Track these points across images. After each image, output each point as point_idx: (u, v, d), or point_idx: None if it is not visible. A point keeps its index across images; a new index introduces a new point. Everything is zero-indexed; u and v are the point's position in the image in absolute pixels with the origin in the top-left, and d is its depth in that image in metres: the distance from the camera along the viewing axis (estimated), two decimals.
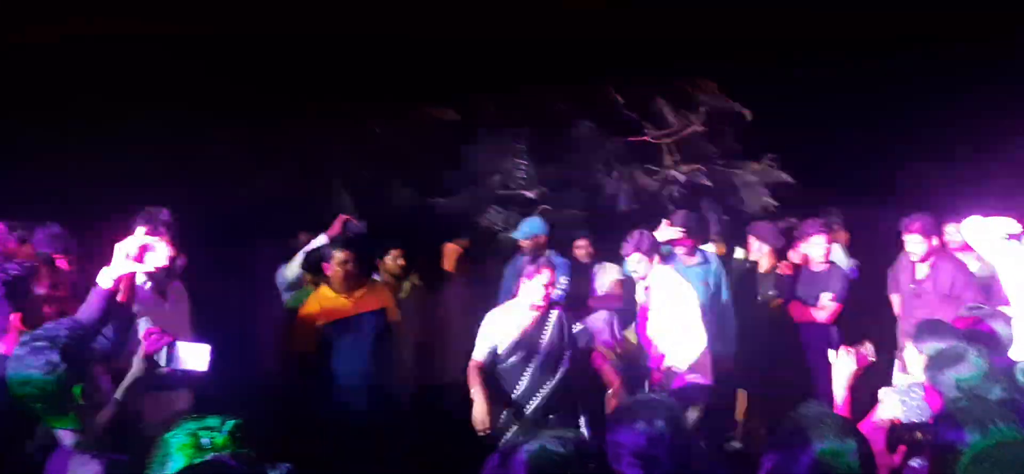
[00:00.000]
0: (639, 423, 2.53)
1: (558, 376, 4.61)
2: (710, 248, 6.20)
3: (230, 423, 2.12)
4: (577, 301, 5.84)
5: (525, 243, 6.04)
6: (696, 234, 5.73)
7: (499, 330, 4.63)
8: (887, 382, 3.85)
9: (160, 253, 3.36)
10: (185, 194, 5.18)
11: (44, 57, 5.00)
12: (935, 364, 3.14)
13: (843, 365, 3.62)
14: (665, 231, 5.55)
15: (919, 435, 2.88)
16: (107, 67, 5.34)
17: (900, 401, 3.44)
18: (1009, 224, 4.99)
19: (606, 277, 6.27)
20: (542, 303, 4.56)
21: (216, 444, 2.06)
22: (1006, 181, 7.29)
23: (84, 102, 5.31)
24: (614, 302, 6.24)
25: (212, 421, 2.12)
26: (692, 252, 5.69)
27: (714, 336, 5.59)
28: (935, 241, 5.67)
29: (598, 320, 6.20)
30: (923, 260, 5.67)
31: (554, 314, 4.68)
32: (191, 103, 5.85)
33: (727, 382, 5.69)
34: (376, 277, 5.49)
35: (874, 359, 4.22)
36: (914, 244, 5.64)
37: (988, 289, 5.41)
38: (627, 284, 6.19)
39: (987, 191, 5.88)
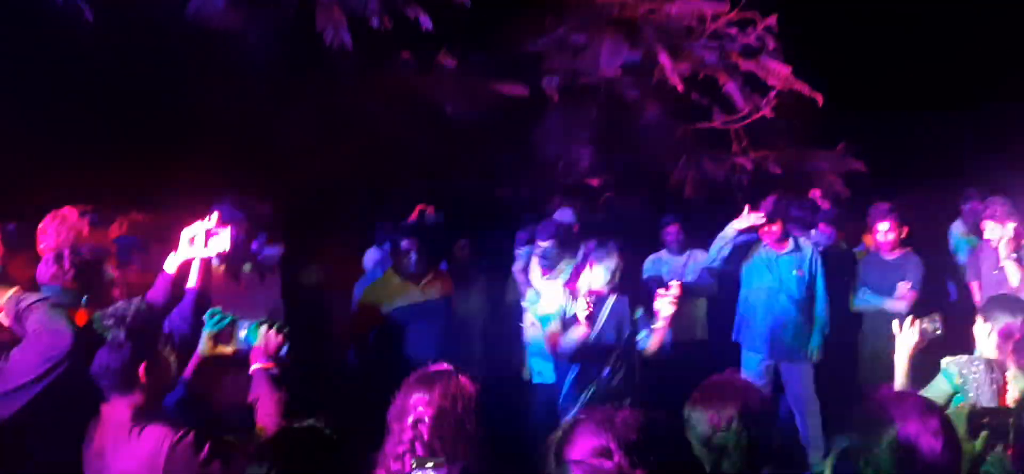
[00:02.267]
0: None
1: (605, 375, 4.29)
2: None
3: None
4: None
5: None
6: (786, 221, 5.59)
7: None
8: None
9: (223, 238, 3.42)
10: (262, 179, 5.34)
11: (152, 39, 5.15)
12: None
13: (907, 337, 3.58)
14: (747, 218, 5.42)
15: (1007, 420, 2.77)
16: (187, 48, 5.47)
17: (959, 373, 3.36)
18: None
19: (697, 264, 6.26)
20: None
21: None
22: None
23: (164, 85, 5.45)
24: (706, 290, 6.22)
25: None
26: (782, 239, 5.57)
27: (802, 326, 5.52)
28: (1012, 226, 5.47)
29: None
30: (1006, 244, 5.48)
31: (610, 302, 4.35)
32: (265, 87, 5.97)
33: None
34: (444, 266, 5.53)
35: (941, 332, 4.13)
36: (992, 230, 5.47)
37: None
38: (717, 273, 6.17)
39: None
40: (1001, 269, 5.49)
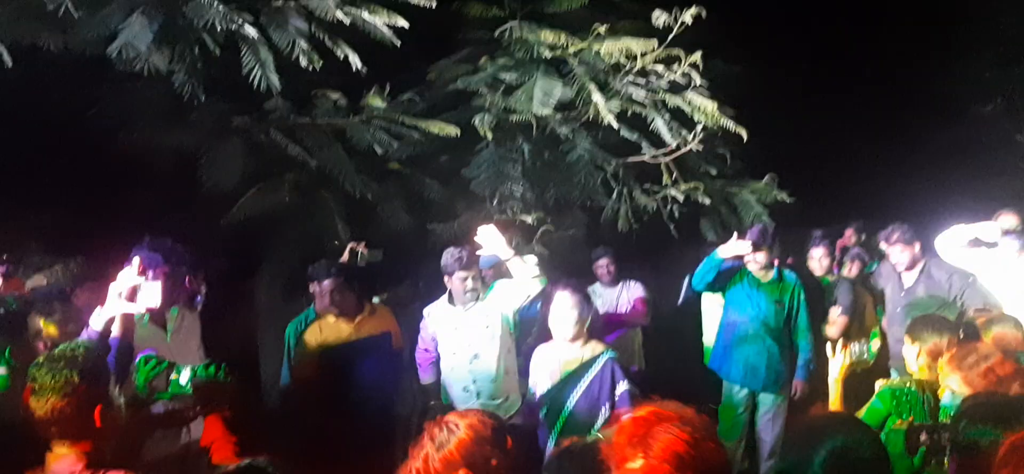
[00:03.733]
0: None
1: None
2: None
3: None
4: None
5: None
6: (770, 250, 5.68)
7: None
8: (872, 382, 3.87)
9: (154, 292, 3.31)
10: (188, 220, 5.19)
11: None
12: (964, 362, 3.14)
13: (837, 363, 3.70)
14: (734, 245, 5.50)
15: (943, 436, 2.84)
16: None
17: (892, 395, 3.48)
18: (988, 229, 5.08)
19: (630, 295, 6.35)
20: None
21: None
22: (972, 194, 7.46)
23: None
24: (640, 319, 6.31)
25: None
26: (767, 267, 5.65)
27: (779, 357, 5.59)
28: (917, 248, 5.73)
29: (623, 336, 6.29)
30: (909, 268, 5.73)
31: (602, 360, 4.14)
32: (190, 128, 5.84)
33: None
34: (377, 300, 5.46)
35: (865, 358, 4.29)
36: (897, 253, 5.72)
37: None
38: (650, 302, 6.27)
39: (960, 204, 5.98)
40: (908, 290, 5.74)
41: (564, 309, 4.10)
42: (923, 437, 2.89)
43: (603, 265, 6.52)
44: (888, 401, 3.44)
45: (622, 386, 4.01)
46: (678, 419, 1.97)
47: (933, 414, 3.34)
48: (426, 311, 5.02)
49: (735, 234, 5.60)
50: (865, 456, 2.19)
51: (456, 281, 4.84)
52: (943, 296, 5.63)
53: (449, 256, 4.83)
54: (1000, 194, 8.27)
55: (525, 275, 4.69)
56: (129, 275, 3.23)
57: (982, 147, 10.80)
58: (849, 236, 7.35)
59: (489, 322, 4.85)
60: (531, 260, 4.93)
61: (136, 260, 3.31)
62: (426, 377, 5.05)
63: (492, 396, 4.77)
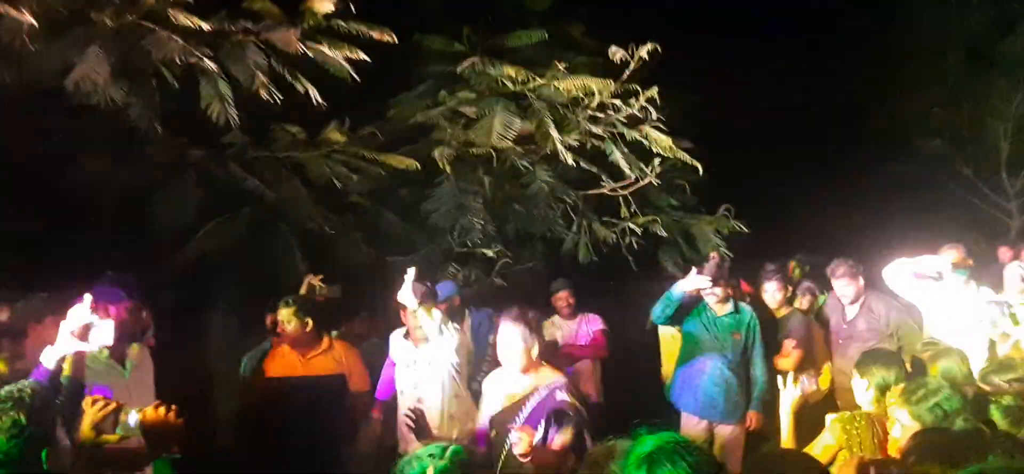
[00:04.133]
0: None
1: None
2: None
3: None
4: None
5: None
6: (726, 283, 5.75)
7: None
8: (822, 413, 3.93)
9: (106, 332, 3.26)
10: (142, 255, 5.12)
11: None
12: (914, 396, 3.20)
13: (789, 395, 3.76)
14: (693, 280, 5.55)
15: (892, 471, 2.90)
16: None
17: (842, 429, 3.54)
18: (932, 263, 5.22)
19: (589, 327, 6.39)
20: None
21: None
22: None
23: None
24: (599, 351, 6.36)
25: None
26: (724, 301, 5.71)
27: (736, 389, 5.65)
28: (861, 282, 5.90)
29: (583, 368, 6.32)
30: (852, 302, 5.90)
31: (547, 386, 4.01)
32: (147, 162, 5.78)
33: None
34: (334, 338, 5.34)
35: (815, 389, 4.37)
36: (842, 287, 5.88)
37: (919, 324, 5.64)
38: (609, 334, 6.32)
39: (907, 235, 6.16)
40: (850, 323, 5.91)
41: (509, 341, 4.06)
42: (872, 472, 2.95)
43: (562, 298, 6.56)
44: (839, 434, 3.50)
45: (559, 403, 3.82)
46: None
47: (882, 448, 3.41)
48: (392, 336, 5.04)
49: (693, 269, 5.67)
50: None
51: (409, 318, 4.85)
52: (881, 329, 5.80)
53: (416, 288, 4.72)
54: (945, 227, 8.54)
55: (431, 329, 4.68)
56: (81, 313, 3.18)
57: (928, 181, 11.12)
58: (791, 268, 7.51)
59: (436, 366, 4.82)
60: (437, 315, 4.77)
61: (87, 298, 3.26)
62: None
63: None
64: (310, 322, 4.75)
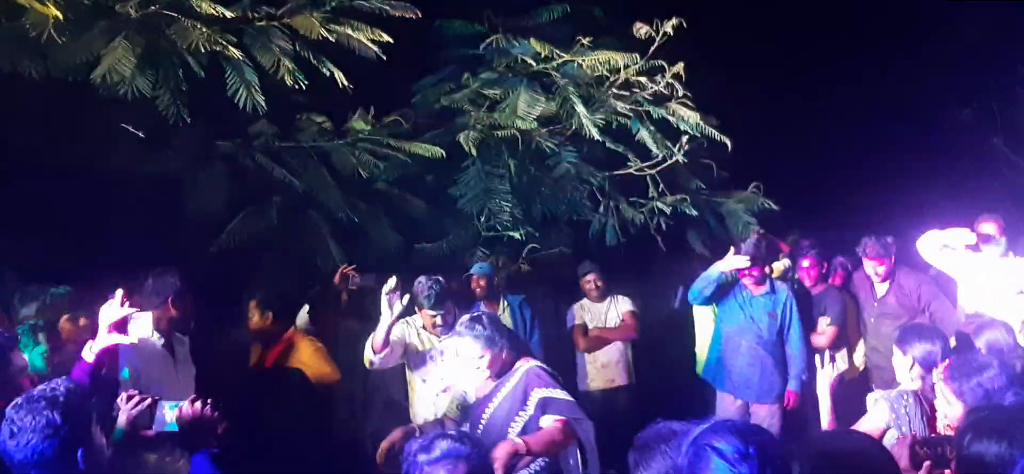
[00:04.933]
0: None
1: None
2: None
3: None
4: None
5: (478, 281, 6.05)
6: (765, 262, 5.70)
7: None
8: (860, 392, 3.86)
9: (145, 323, 3.27)
10: (174, 246, 5.13)
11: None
12: (959, 373, 3.12)
13: (826, 375, 3.70)
14: (731, 260, 5.51)
15: (946, 449, 2.84)
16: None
17: (890, 408, 3.46)
18: (968, 235, 5.12)
19: (619, 309, 6.35)
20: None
21: None
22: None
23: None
24: (629, 333, 6.32)
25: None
26: (760, 282, 5.66)
27: (772, 368, 5.60)
28: (892, 259, 5.82)
29: (613, 351, 6.28)
30: (883, 279, 5.81)
31: (521, 369, 3.69)
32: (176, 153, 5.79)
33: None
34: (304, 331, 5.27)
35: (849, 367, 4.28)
36: (872, 264, 5.80)
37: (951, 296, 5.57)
38: (639, 315, 6.28)
39: (938, 208, 6.05)
40: (881, 301, 5.84)
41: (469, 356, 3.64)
42: (926, 450, 2.89)
43: (591, 280, 6.52)
44: (887, 413, 3.43)
45: (539, 393, 3.54)
46: None
47: (931, 426, 3.34)
48: (404, 320, 4.79)
49: (732, 249, 5.62)
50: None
51: (426, 317, 4.73)
52: (912, 305, 5.73)
53: (420, 288, 4.66)
54: (978, 198, 8.38)
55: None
56: (120, 308, 3.19)
57: (958, 152, 10.93)
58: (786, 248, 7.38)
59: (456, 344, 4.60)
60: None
61: (119, 292, 3.27)
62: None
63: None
64: (271, 316, 4.77)
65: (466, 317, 3.72)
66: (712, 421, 2.11)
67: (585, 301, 6.57)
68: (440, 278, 4.73)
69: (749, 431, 2.01)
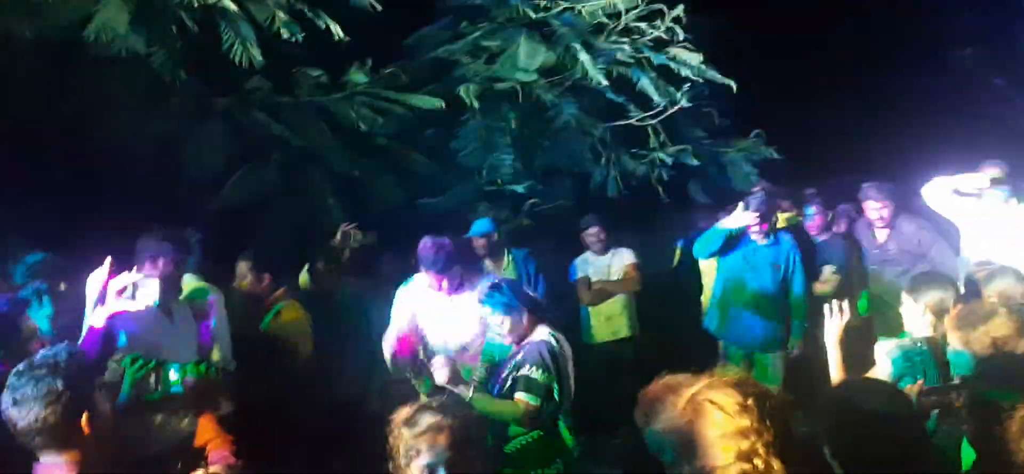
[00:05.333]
0: None
1: None
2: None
3: None
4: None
5: (480, 242, 6.00)
6: (770, 216, 5.67)
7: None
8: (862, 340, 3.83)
9: (152, 289, 3.25)
10: (173, 205, 5.08)
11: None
12: (966, 322, 3.09)
13: (834, 324, 3.65)
14: (740, 217, 5.47)
15: (955, 397, 2.83)
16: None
17: (904, 357, 3.43)
18: (973, 180, 5.08)
19: (621, 262, 6.33)
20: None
21: None
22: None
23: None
24: (632, 285, 6.30)
25: None
26: (766, 234, 5.64)
27: (775, 318, 5.60)
28: (892, 205, 5.79)
29: (616, 304, 6.26)
30: (884, 225, 5.79)
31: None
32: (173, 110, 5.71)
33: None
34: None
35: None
36: (874, 209, 5.77)
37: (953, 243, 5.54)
38: (642, 268, 6.25)
39: (942, 153, 6.00)
40: (881, 246, 5.83)
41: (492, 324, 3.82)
42: (936, 398, 2.88)
43: (593, 234, 6.46)
44: (901, 363, 3.40)
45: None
46: None
47: (944, 374, 3.32)
48: (400, 295, 4.56)
49: (740, 204, 5.58)
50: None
51: (431, 279, 4.43)
52: (912, 251, 5.70)
53: (424, 251, 4.39)
54: (982, 141, 8.32)
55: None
56: (127, 275, 3.17)
57: (962, 95, 10.84)
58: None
59: (478, 312, 4.32)
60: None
61: (108, 260, 3.24)
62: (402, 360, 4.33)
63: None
64: (267, 277, 4.76)
65: (486, 285, 3.82)
66: (710, 375, 2.10)
67: (588, 254, 6.54)
68: (446, 241, 4.52)
69: (745, 383, 1.99)
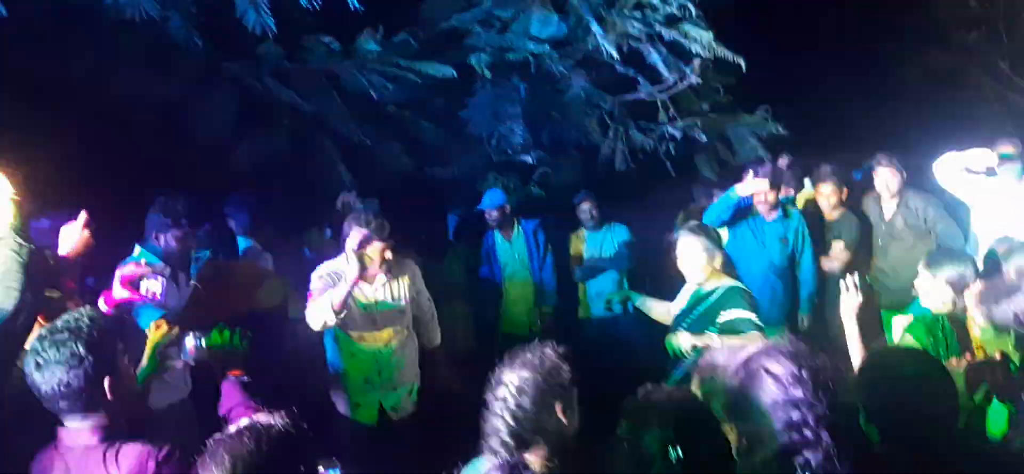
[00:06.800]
0: None
1: None
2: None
3: None
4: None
5: (493, 214, 6.01)
6: (779, 188, 5.66)
7: None
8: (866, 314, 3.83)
9: (156, 284, 3.25)
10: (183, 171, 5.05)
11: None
12: (990, 296, 3.10)
13: (851, 299, 3.65)
14: (751, 184, 5.46)
15: (1005, 372, 2.81)
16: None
17: (927, 332, 3.43)
18: (984, 157, 5.08)
19: (615, 238, 6.33)
20: None
21: None
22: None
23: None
24: (623, 262, 6.30)
25: None
26: (774, 207, 5.63)
27: (791, 296, 5.60)
28: (902, 177, 5.79)
29: (608, 280, 6.27)
30: (892, 198, 5.79)
31: None
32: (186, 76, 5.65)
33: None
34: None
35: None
36: (884, 181, 5.77)
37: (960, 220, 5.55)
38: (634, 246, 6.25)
39: (946, 131, 6.01)
40: (888, 221, 5.84)
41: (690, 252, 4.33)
42: (985, 374, 2.87)
43: (586, 210, 6.44)
44: (923, 338, 3.40)
45: None
46: None
47: (964, 348, 3.33)
48: (319, 273, 4.21)
49: (751, 172, 5.57)
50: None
51: (376, 251, 4.10)
52: (919, 226, 5.71)
53: (354, 222, 4.14)
54: (982, 123, 8.34)
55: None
56: (134, 268, 3.18)
57: (966, 75, 10.84)
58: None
59: (402, 299, 4.36)
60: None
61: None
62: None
63: (393, 386, 4.44)
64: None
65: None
66: (766, 346, 2.10)
67: (582, 230, 6.53)
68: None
69: (801, 354, 2.00)
